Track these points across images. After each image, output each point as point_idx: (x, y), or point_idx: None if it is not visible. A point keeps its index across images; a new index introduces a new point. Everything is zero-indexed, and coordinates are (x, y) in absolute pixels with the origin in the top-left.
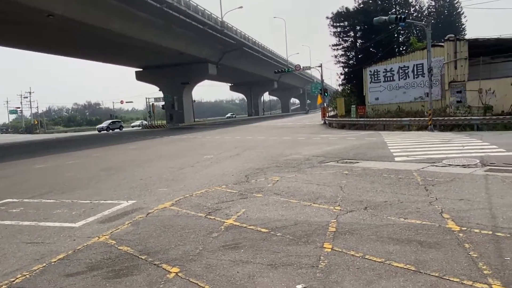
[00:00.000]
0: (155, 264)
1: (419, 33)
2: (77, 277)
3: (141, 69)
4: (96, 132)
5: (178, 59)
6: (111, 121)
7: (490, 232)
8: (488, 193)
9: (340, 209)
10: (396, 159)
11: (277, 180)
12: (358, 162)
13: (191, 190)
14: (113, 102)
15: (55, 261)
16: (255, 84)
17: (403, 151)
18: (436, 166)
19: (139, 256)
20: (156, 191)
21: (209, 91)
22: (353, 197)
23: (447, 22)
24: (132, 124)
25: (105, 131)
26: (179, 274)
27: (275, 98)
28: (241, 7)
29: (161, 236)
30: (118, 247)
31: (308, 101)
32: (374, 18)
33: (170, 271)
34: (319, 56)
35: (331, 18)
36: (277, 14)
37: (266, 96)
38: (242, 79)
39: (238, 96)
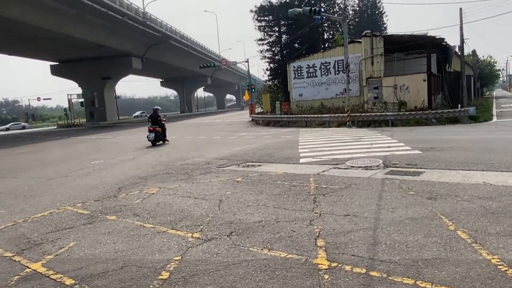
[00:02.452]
0: None
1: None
2: None
3: (57, 63)
4: None
5: (98, 52)
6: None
7: (364, 271)
8: (380, 205)
9: (199, 237)
10: (301, 160)
11: (153, 193)
12: (260, 166)
13: (33, 211)
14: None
15: None
16: (187, 80)
17: (312, 151)
18: (339, 168)
19: None
20: None
21: (145, 87)
22: (225, 216)
23: (370, 21)
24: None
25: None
26: None
27: (211, 94)
28: None
29: None
30: None
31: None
32: (289, 10)
33: None
34: (254, 52)
35: (255, 11)
36: (211, 8)
37: (202, 93)
38: (173, 74)
39: (173, 93)
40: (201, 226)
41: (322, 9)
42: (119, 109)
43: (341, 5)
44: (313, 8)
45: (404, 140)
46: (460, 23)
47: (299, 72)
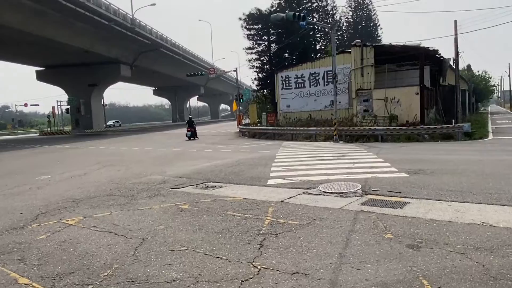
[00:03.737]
0: None
1: (339, 42)
2: None
3: (43, 68)
4: None
5: (84, 58)
6: None
7: None
8: (344, 256)
9: None
10: (269, 181)
11: (70, 225)
12: (220, 187)
13: None
14: (15, 105)
15: None
16: (180, 89)
17: (285, 169)
18: (309, 194)
19: None
20: None
21: (140, 94)
22: (132, 269)
23: (365, 33)
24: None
25: None
26: None
27: (205, 104)
28: (154, 4)
29: None
30: None
31: None
32: (272, 15)
33: None
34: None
35: (244, 19)
36: (205, 17)
37: (196, 102)
38: (165, 83)
39: (168, 102)
40: (90, 287)
41: (315, 19)
42: (113, 117)
43: (330, 12)
44: (297, 13)
45: (391, 159)
46: (455, 34)
47: (287, 82)
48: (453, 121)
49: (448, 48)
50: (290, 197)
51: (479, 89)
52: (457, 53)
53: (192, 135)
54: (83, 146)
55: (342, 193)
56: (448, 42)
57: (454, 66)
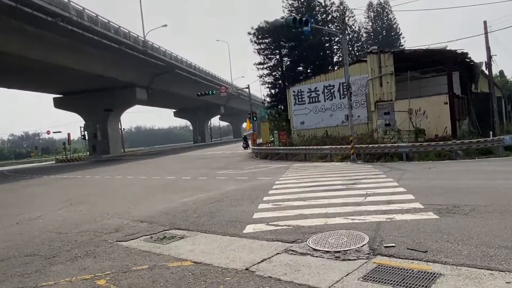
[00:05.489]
0: None
1: (359, 53)
2: None
3: (60, 96)
4: None
5: (99, 83)
6: None
7: None
8: None
9: None
10: (248, 228)
11: None
12: (182, 238)
13: None
14: (39, 133)
15: None
16: (200, 110)
17: (275, 208)
18: (292, 252)
19: None
20: None
21: (164, 117)
22: None
23: (386, 43)
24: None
25: None
26: None
27: (227, 123)
28: (165, 25)
29: None
30: None
31: None
32: (270, 22)
33: None
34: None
35: (253, 34)
36: (222, 37)
37: (218, 122)
38: (185, 104)
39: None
40: None
41: (328, 27)
42: (139, 141)
43: (339, 17)
44: (298, 18)
45: (416, 187)
46: (485, 35)
47: (300, 97)
48: (491, 133)
49: (476, 53)
50: (263, 260)
51: None
52: (489, 56)
53: (246, 146)
54: (80, 175)
55: (339, 251)
56: (476, 47)
57: (486, 71)
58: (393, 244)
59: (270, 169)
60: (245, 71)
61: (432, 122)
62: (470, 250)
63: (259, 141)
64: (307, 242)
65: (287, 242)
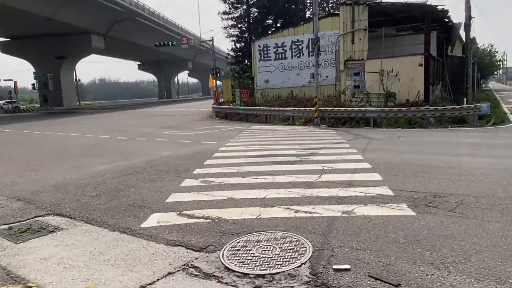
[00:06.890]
0: None
1: (333, 10)
2: None
3: (7, 39)
4: None
5: (49, 27)
6: None
7: None
8: None
9: None
10: (150, 219)
11: None
12: (49, 233)
13: None
14: None
15: None
16: (166, 64)
17: (203, 186)
18: (191, 274)
19: None
20: None
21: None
22: None
23: None
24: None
25: None
26: None
27: (197, 80)
28: None
29: None
30: None
31: None
32: None
33: None
34: None
35: None
36: None
37: (186, 78)
38: (149, 57)
39: None
40: None
41: None
42: (104, 93)
43: None
44: None
45: (384, 162)
46: None
47: (265, 52)
48: (465, 100)
49: (452, 13)
50: (147, 285)
51: (484, 64)
52: (469, 15)
53: None
54: (19, 129)
55: (262, 276)
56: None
57: (463, 36)
58: (348, 266)
59: (222, 131)
60: (214, 25)
61: (404, 85)
62: (463, 277)
63: (222, 100)
64: (221, 252)
65: (193, 250)
